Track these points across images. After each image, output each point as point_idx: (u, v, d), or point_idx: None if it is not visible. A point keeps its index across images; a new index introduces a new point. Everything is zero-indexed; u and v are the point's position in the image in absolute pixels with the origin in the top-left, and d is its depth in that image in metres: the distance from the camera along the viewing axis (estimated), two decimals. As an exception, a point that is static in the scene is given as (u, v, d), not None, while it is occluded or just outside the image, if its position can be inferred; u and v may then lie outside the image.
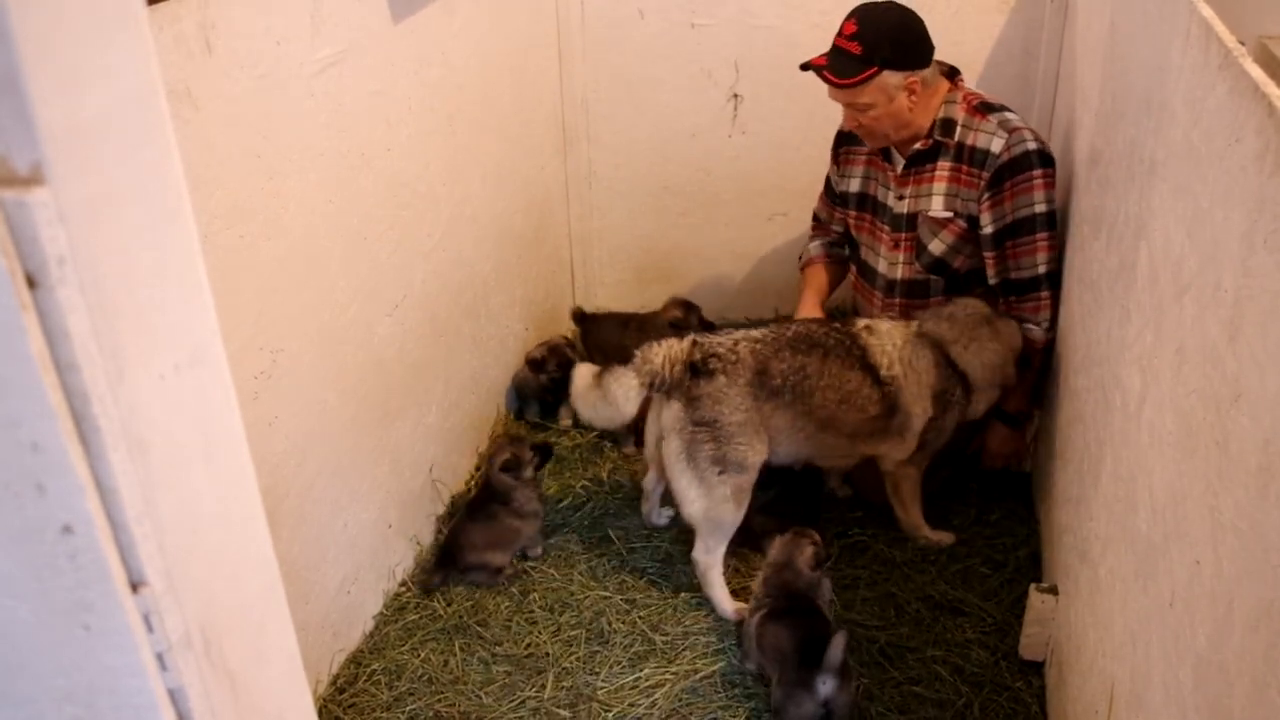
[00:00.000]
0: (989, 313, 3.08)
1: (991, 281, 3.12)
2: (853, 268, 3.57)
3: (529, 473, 3.15)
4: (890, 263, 3.31)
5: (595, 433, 3.72)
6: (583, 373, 3.04)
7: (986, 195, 3.04)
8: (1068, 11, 3.64)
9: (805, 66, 3.07)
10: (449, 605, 3.02)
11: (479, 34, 3.41)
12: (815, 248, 3.62)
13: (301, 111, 2.46)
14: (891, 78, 2.99)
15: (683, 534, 3.12)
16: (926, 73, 3.04)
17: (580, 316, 4.09)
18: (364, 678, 2.78)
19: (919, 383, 3.01)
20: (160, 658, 0.91)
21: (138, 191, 0.86)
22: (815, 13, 3.72)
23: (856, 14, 3.03)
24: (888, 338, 3.03)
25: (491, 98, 3.54)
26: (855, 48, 2.98)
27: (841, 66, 3.00)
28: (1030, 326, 3.07)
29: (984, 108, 3.09)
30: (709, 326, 4.03)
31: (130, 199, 0.85)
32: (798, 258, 3.72)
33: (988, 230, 3.06)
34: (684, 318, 3.97)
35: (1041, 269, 3.02)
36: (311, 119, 2.51)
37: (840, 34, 3.03)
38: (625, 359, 2.99)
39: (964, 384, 3.07)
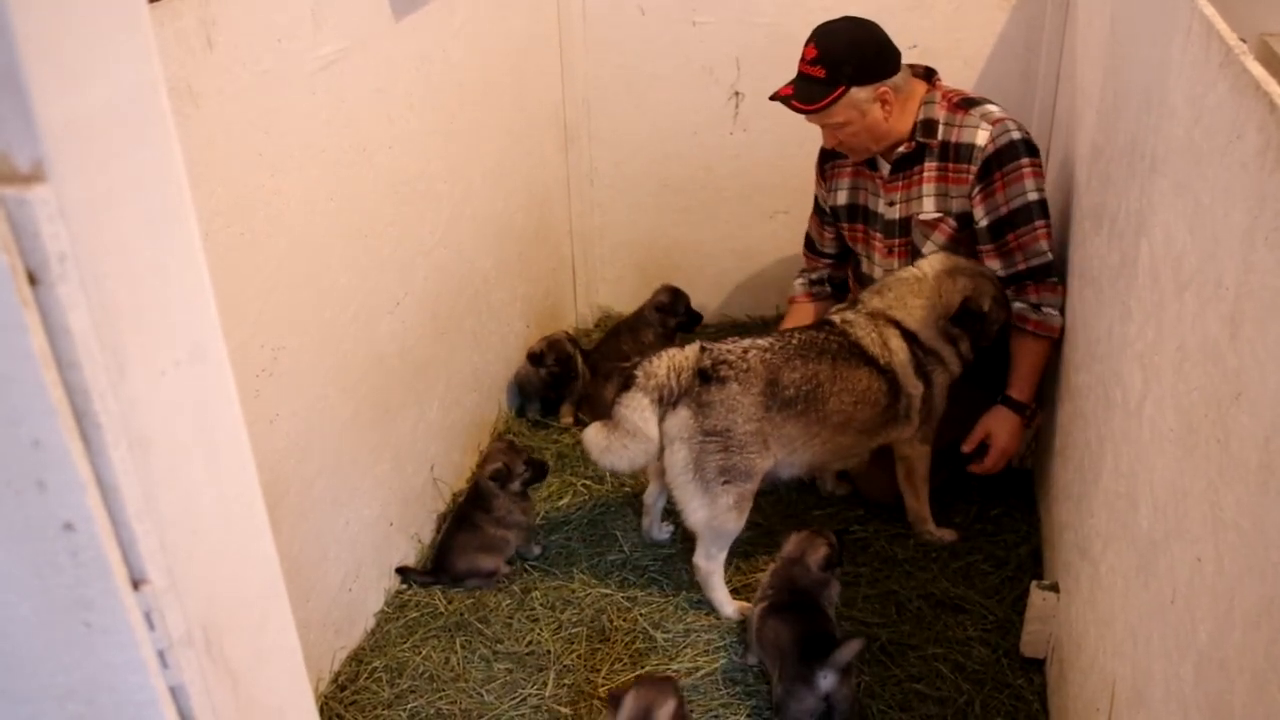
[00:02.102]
0: (919, 273, 3.08)
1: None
2: (850, 276, 3.57)
3: (516, 486, 3.12)
4: (885, 270, 3.31)
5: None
6: (591, 432, 2.92)
7: (977, 188, 3.03)
8: (1069, 8, 3.64)
9: (774, 98, 3.07)
10: (450, 603, 3.02)
11: (480, 31, 3.41)
12: (799, 286, 3.65)
13: (303, 109, 2.46)
14: (860, 93, 2.99)
15: (685, 532, 3.12)
16: (897, 79, 3.04)
17: (584, 355, 3.98)
18: (365, 675, 2.78)
19: (902, 361, 3.02)
20: (161, 655, 0.91)
21: (139, 188, 0.86)
22: (816, 10, 3.70)
23: (815, 37, 3.03)
24: (866, 327, 3.03)
25: (493, 95, 3.54)
26: (819, 71, 2.99)
27: (808, 92, 3.01)
28: (1052, 310, 3.02)
29: (965, 104, 3.09)
30: (694, 316, 4.03)
31: (131, 196, 0.85)
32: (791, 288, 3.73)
33: (983, 223, 3.05)
34: (669, 302, 3.97)
35: (1049, 255, 3.02)
36: (313, 116, 2.51)
37: (803, 60, 3.03)
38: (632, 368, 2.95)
39: (920, 346, 3.05)
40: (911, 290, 3.06)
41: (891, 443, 3.13)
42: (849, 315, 3.08)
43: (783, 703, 2.53)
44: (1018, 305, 3.07)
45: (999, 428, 3.14)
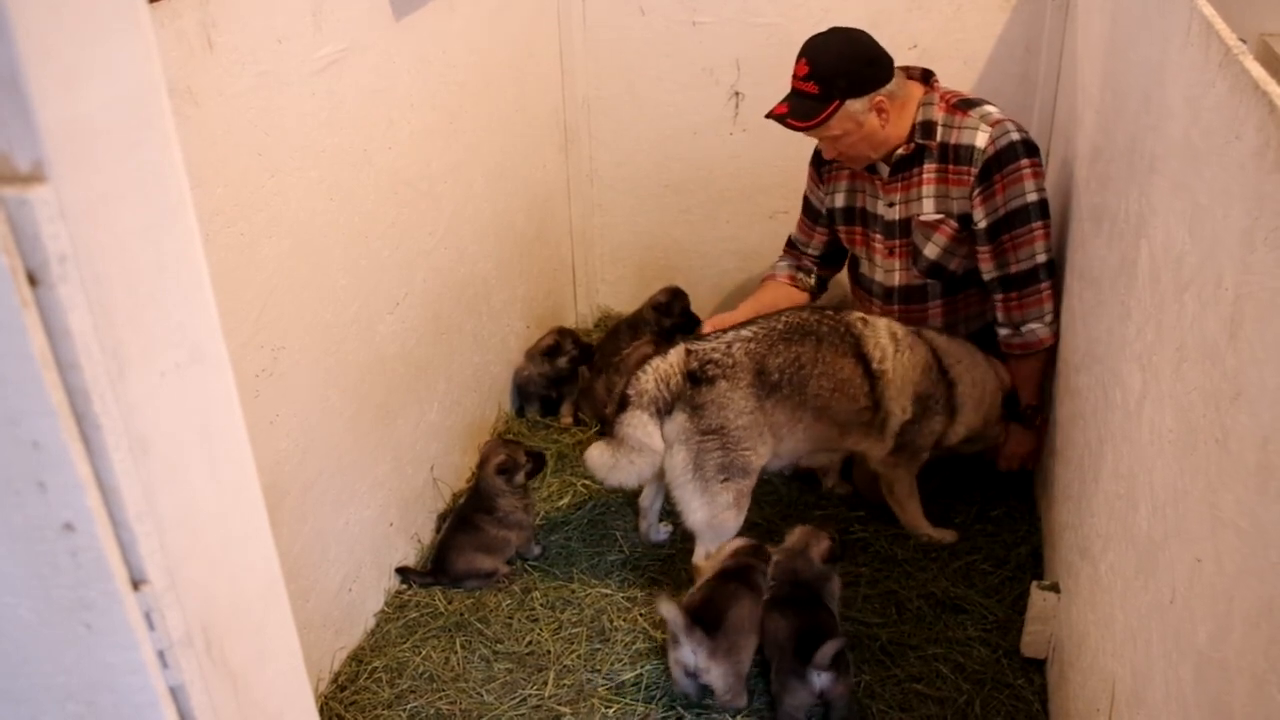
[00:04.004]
0: (985, 353, 3.18)
1: (987, 278, 3.11)
2: (850, 278, 3.57)
3: (521, 478, 3.12)
4: (886, 270, 3.31)
5: (596, 430, 3.72)
6: (594, 451, 2.94)
7: (977, 190, 3.03)
8: (1069, 9, 3.64)
9: (770, 116, 3.07)
10: (450, 603, 3.02)
11: (480, 31, 3.41)
12: (783, 266, 3.59)
13: (303, 109, 2.46)
14: (855, 105, 2.99)
15: (684, 532, 3.11)
16: (891, 86, 3.03)
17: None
18: (365, 675, 2.78)
19: (904, 380, 3.02)
20: (161, 655, 0.91)
21: (139, 189, 0.86)
22: (816, 11, 3.72)
23: (805, 53, 3.03)
24: (884, 332, 3.04)
25: (493, 95, 3.54)
26: (811, 87, 2.99)
27: (803, 109, 3.01)
28: (1035, 326, 3.06)
29: (963, 105, 3.08)
30: (692, 319, 4.02)
31: (131, 196, 0.85)
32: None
33: (981, 225, 3.05)
34: (666, 302, 3.97)
35: (1040, 258, 3.02)
36: (313, 117, 2.51)
37: (795, 76, 3.03)
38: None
39: (950, 394, 3.08)
40: (979, 356, 3.16)
41: (864, 454, 3.14)
42: (872, 318, 3.10)
43: (777, 696, 2.55)
44: (1002, 332, 3.13)
45: (1007, 439, 3.23)
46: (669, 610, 2.54)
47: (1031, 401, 3.15)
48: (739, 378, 2.86)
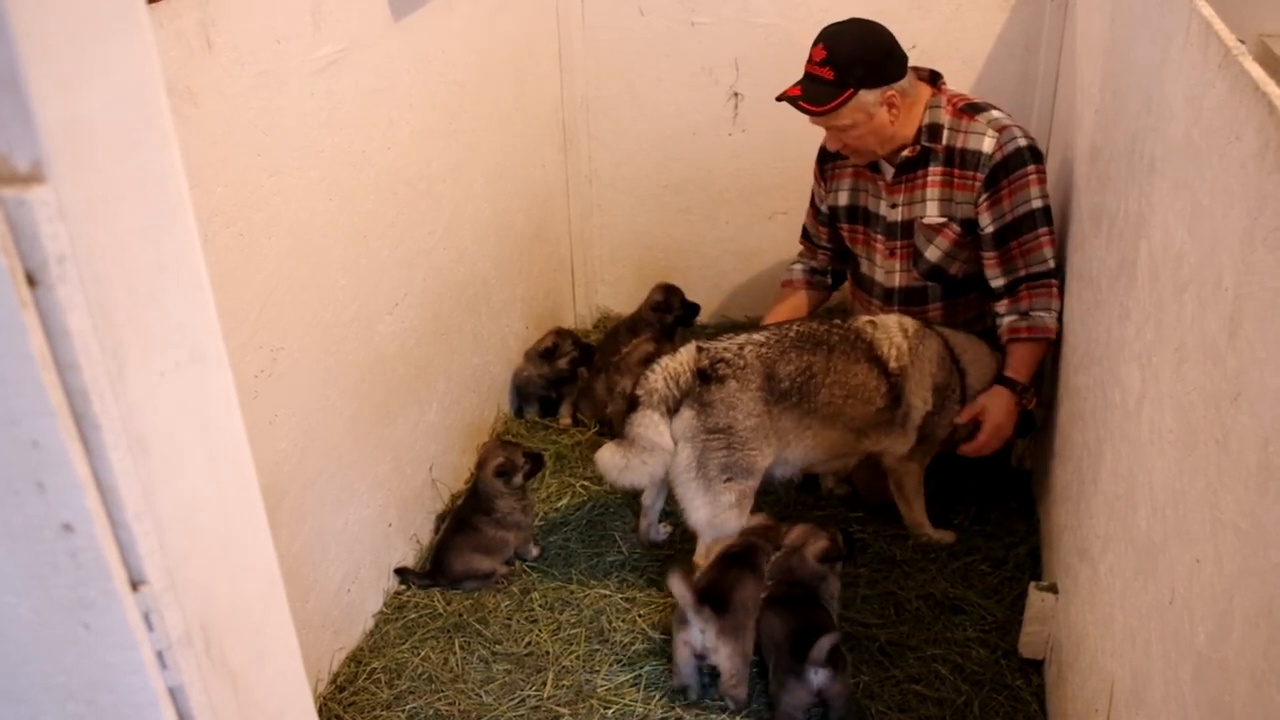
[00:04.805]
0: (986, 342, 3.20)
1: (995, 284, 3.09)
2: (850, 277, 3.57)
3: (519, 479, 3.12)
4: (887, 271, 3.31)
5: (595, 430, 3.72)
6: (606, 453, 2.93)
7: (984, 196, 3.03)
8: (1068, 8, 3.64)
9: (781, 98, 3.06)
10: (449, 604, 3.02)
11: (480, 32, 3.41)
12: (798, 270, 3.61)
13: (302, 109, 2.46)
14: (868, 96, 2.98)
15: (684, 532, 3.12)
16: (903, 83, 3.03)
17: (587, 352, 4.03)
18: (364, 676, 2.78)
19: (922, 372, 3.03)
20: (160, 656, 0.91)
21: (138, 189, 0.86)
22: (816, 11, 3.71)
23: (824, 39, 3.02)
24: (896, 330, 3.05)
25: (492, 95, 3.54)
26: (827, 73, 2.98)
27: (816, 94, 2.99)
28: (1043, 314, 3.03)
29: (970, 109, 3.08)
30: (692, 308, 4.04)
31: (131, 197, 0.85)
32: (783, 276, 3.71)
33: (988, 230, 3.05)
34: (664, 300, 3.98)
35: (1050, 263, 3.02)
36: (312, 117, 2.51)
37: (810, 60, 3.02)
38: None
39: (962, 384, 3.09)
40: (978, 340, 3.19)
41: (881, 453, 3.13)
42: (879, 319, 3.11)
43: (775, 696, 2.55)
44: (1009, 319, 3.08)
45: (992, 403, 3.10)
46: (679, 587, 2.54)
47: (1023, 380, 3.09)
48: (749, 380, 2.86)
